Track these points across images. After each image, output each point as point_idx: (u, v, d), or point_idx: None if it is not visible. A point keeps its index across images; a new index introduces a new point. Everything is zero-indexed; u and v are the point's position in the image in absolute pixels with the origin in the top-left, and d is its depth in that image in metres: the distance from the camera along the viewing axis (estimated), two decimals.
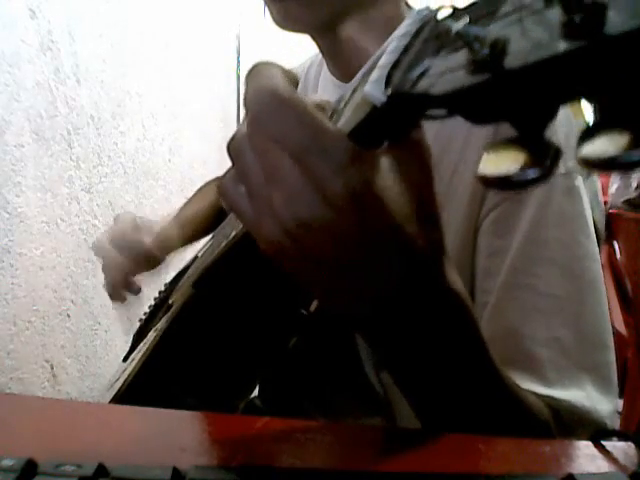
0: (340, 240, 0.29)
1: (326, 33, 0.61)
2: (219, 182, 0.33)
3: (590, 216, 0.52)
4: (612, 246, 1.71)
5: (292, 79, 0.30)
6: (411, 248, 0.31)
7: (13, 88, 1.22)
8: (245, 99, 0.30)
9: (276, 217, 0.29)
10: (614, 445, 0.33)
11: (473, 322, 0.36)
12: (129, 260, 0.76)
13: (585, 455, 0.33)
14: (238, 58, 2.12)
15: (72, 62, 1.38)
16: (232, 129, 2.17)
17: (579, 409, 0.46)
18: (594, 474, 0.30)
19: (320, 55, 0.69)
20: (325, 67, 0.68)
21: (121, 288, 0.77)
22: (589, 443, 0.34)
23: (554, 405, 0.46)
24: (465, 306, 0.35)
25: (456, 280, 0.34)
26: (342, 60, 0.64)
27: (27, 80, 1.25)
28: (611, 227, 1.69)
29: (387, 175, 0.29)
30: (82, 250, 1.43)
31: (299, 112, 0.28)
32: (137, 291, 0.79)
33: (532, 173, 0.21)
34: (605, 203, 2.00)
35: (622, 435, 0.34)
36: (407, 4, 0.64)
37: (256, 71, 0.30)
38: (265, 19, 0.60)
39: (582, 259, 0.50)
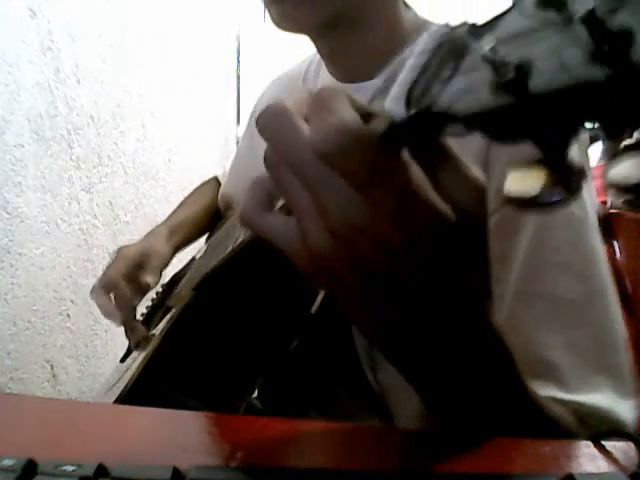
0: (391, 243, 0.28)
1: (325, 34, 0.61)
2: (241, 214, 0.32)
3: (595, 217, 0.52)
4: (612, 246, 1.71)
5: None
6: (459, 256, 0.29)
7: (13, 88, 1.21)
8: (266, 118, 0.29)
9: (327, 226, 0.28)
10: (614, 445, 0.33)
11: (506, 352, 0.35)
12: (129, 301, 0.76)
13: (585, 455, 0.33)
14: (238, 58, 2.13)
15: (72, 62, 1.38)
16: (232, 129, 2.17)
17: (602, 411, 0.46)
18: (594, 474, 0.30)
19: (318, 55, 0.69)
20: (324, 67, 0.68)
21: (133, 321, 0.76)
22: (589, 443, 0.34)
23: (579, 410, 0.45)
24: (500, 336, 0.34)
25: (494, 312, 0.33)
26: (341, 61, 0.64)
27: (27, 80, 1.25)
28: (611, 227, 1.69)
29: (424, 179, 0.28)
30: (82, 250, 1.43)
31: (337, 118, 0.26)
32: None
33: (557, 194, 0.21)
34: (605, 203, 2.00)
35: (622, 435, 0.34)
36: (405, 4, 0.64)
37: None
38: (265, 20, 0.61)
39: (591, 262, 0.50)
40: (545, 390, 0.45)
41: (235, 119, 2.16)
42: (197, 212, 0.94)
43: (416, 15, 0.64)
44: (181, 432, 0.36)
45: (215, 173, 1.01)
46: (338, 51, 0.63)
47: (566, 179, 0.21)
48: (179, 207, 0.97)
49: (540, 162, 0.22)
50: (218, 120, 2.10)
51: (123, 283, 0.75)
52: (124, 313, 0.73)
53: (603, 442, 0.34)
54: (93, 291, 0.77)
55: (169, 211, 0.96)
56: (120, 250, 0.80)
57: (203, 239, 0.93)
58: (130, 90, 1.58)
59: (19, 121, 1.23)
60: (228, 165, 0.95)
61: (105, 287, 0.76)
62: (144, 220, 1.63)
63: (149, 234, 0.87)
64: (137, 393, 0.54)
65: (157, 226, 0.90)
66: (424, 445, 0.34)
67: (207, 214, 0.94)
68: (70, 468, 0.28)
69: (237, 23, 2.08)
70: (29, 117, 1.26)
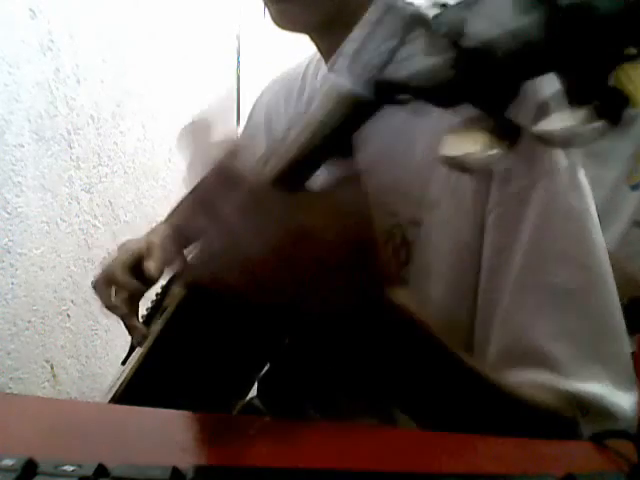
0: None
1: (323, 33, 0.61)
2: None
3: (594, 207, 0.52)
4: None
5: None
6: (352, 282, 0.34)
7: (13, 88, 1.21)
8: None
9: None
10: (614, 445, 0.33)
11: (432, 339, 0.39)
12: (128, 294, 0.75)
13: (585, 455, 0.33)
14: (238, 58, 2.12)
15: (72, 62, 1.38)
16: (232, 129, 2.17)
17: (600, 400, 0.46)
18: (594, 474, 0.31)
19: (318, 54, 0.69)
20: (324, 67, 0.68)
21: (133, 318, 0.75)
22: (589, 443, 0.34)
23: (578, 398, 0.46)
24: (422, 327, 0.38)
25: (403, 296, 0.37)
26: None
27: (27, 80, 1.25)
28: None
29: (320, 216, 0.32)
30: (82, 250, 1.43)
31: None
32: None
33: (494, 152, 0.22)
34: None
35: (622, 435, 0.34)
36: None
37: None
38: (265, 19, 0.61)
39: (590, 253, 0.50)
40: (538, 377, 0.45)
41: (235, 119, 2.16)
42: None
43: None
44: (181, 432, 0.36)
45: None
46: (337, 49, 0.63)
47: (504, 137, 0.22)
48: (178, 207, 0.97)
49: (478, 122, 0.22)
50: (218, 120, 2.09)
51: (126, 276, 0.73)
52: (124, 307, 0.72)
53: (603, 442, 0.34)
54: (94, 284, 0.76)
55: (169, 211, 0.97)
56: (122, 245, 0.79)
57: None
58: (130, 90, 1.58)
59: (19, 121, 1.23)
60: None
61: (106, 279, 0.75)
62: (144, 220, 1.63)
63: (151, 232, 0.87)
64: (131, 391, 0.54)
65: (158, 224, 0.90)
66: (424, 445, 0.34)
67: None
68: (70, 468, 0.28)
69: (237, 23, 2.08)
70: (29, 117, 1.26)
